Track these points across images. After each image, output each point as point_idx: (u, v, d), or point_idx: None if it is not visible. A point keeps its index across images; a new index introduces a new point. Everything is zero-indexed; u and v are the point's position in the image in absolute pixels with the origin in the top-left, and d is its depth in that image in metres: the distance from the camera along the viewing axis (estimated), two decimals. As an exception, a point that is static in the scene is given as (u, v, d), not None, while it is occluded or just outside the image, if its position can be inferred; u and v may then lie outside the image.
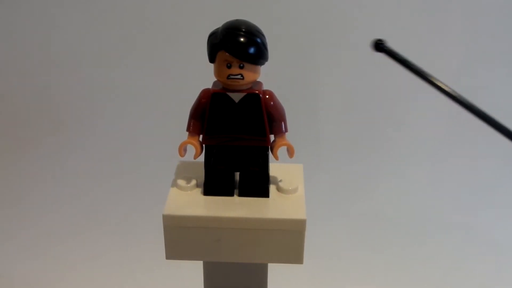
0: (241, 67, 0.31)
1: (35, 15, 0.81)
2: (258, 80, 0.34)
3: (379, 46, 0.30)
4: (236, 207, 0.33)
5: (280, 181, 0.35)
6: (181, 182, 0.35)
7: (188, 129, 0.34)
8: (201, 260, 0.35)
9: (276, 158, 0.34)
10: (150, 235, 0.68)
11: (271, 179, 0.35)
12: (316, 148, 0.82)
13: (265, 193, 0.34)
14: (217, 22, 0.33)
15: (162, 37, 0.82)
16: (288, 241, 0.32)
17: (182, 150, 0.34)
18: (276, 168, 0.36)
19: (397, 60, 0.30)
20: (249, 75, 0.32)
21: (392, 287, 0.64)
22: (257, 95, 0.33)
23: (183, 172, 0.37)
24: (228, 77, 0.32)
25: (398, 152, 0.83)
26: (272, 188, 0.35)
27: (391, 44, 0.85)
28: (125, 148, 0.82)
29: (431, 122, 0.84)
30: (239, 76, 0.31)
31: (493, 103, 0.84)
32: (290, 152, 0.33)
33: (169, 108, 0.79)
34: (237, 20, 0.32)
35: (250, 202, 0.34)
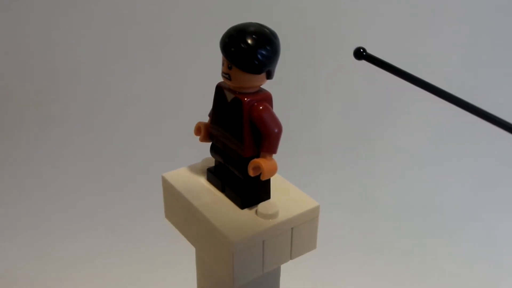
0: (229, 68, 0.31)
1: (36, 16, 0.81)
2: (265, 89, 0.33)
3: (362, 54, 0.29)
4: (207, 201, 0.33)
5: (268, 203, 0.33)
6: (204, 161, 0.36)
7: (209, 114, 0.35)
8: (180, 232, 0.36)
9: (250, 173, 0.31)
10: (150, 235, 0.68)
11: (271, 198, 0.34)
12: (316, 148, 0.82)
13: (238, 203, 0.33)
14: (222, 22, 0.33)
15: (160, 39, 0.82)
16: (222, 259, 0.31)
17: (196, 129, 0.35)
18: (287, 191, 0.35)
19: (380, 65, 0.29)
20: (236, 78, 0.31)
21: (393, 286, 0.64)
22: (240, 101, 0.31)
23: None
24: (221, 74, 0.32)
25: (399, 151, 0.83)
26: (257, 205, 0.33)
27: (392, 44, 0.85)
28: (126, 149, 0.82)
29: (432, 121, 0.84)
30: (226, 76, 0.31)
31: (493, 103, 0.84)
32: (262, 173, 0.31)
33: (169, 110, 0.80)
34: (249, 23, 0.32)
35: (222, 205, 0.33)
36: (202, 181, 0.35)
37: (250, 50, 0.30)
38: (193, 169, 0.37)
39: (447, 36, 0.82)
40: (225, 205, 0.33)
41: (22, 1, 0.81)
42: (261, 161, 0.31)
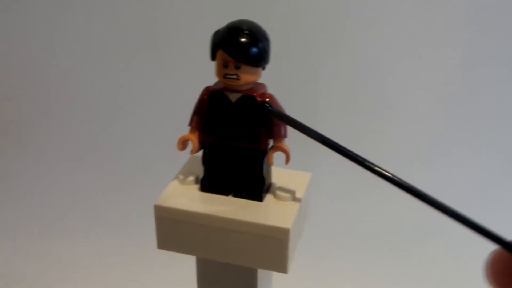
0: (237, 68, 0.31)
1: (36, 16, 0.81)
2: (260, 82, 0.33)
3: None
4: (225, 207, 0.33)
5: (280, 187, 0.35)
6: (182, 176, 0.35)
7: (190, 124, 0.34)
8: (189, 254, 0.35)
9: (271, 162, 0.33)
10: (150, 235, 0.68)
11: (273, 183, 0.35)
12: (315, 148, 0.82)
13: (258, 197, 0.34)
14: (214, 22, 0.33)
15: (160, 39, 0.82)
16: (273, 248, 0.32)
17: (181, 144, 0.34)
18: (282, 173, 0.36)
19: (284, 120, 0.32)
20: (245, 76, 0.31)
21: (393, 286, 0.64)
22: (253, 97, 0.32)
23: (189, 166, 0.37)
24: (224, 76, 0.32)
25: (399, 151, 0.83)
26: (270, 193, 0.35)
27: (392, 43, 0.84)
28: (126, 148, 0.82)
29: (432, 123, 0.84)
30: (234, 77, 0.31)
31: (493, 103, 0.84)
32: (286, 158, 0.33)
33: (172, 107, 0.80)
34: (241, 20, 0.32)
35: (241, 204, 0.33)
36: (197, 193, 0.34)
37: (258, 44, 0.31)
38: (177, 187, 0.35)
39: (447, 36, 0.82)
40: (245, 204, 0.33)
41: (21, 1, 0.81)
42: (283, 147, 0.33)
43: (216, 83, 0.34)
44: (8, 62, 0.83)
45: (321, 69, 0.82)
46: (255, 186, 0.34)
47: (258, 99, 0.32)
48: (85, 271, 0.65)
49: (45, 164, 0.81)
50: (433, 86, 0.84)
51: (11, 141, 0.83)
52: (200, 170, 0.35)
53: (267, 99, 0.32)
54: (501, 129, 0.84)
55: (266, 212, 0.33)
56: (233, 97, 0.32)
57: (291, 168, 0.36)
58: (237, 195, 0.34)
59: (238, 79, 0.31)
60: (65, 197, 0.76)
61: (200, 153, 0.35)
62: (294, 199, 0.34)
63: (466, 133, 0.83)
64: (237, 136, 0.33)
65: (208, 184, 0.34)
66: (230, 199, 0.34)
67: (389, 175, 0.30)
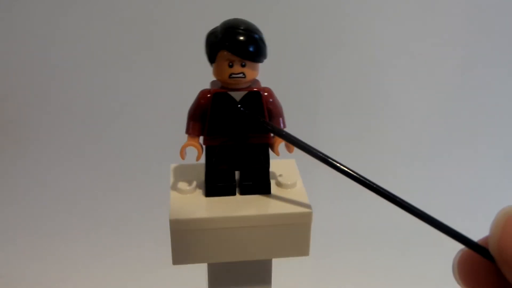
0: (243, 66, 0.31)
1: (37, 16, 0.81)
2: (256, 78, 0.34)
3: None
4: (241, 206, 0.33)
5: (280, 175, 0.35)
6: (181, 185, 0.35)
7: (187, 132, 0.34)
8: (206, 262, 0.34)
9: (277, 154, 0.34)
10: (151, 235, 0.68)
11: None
12: (315, 146, 0.82)
13: (267, 190, 0.34)
14: (215, 22, 0.33)
15: (160, 39, 0.82)
16: (295, 234, 0.33)
17: (184, 152, 0.33)
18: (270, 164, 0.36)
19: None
20: (250, 73, 0.32)
21: (391, 287, 0.64)
22: (258, 92, 0.33)
23: (179, 175, 0.36)
24: (230, 76, 0.31)
25: (398, 151, 0.83)
26: (272, 184, 0.35)
27: (391, 42, 0.84)
28: (126, 150, 0.82)
29: (431, 123, 0.84)
30: (241, 75, 0.31)
31: (493, 103, 0.84)
32: (290, 147, 0.33)
33: (169, 110, 0.80)
34: (235, 19, 0.32)
35: (253, 200, 0.34)
36: (205, 199, 0.34)
37: (258, 40, 0.31)
38: (181, 198, 0.34)
39: (447, 36, 0.82)
40: (257, 199, 0.34)
41: (21, 1, 0.81)
42: None
43: (213, 85, 0.34)
44: (8, 62, 0.83)
45: (321, 69, 0.82)
46: (262, 180, 0.34)
47: (263, 94, 0.33)
48: (85, 271, 0.65)
49: (45, 164, 0.81)
50: (433, 86, 0.84)
51: (11, 141, 0.83)
52: (195, 176, 0.35)
53: (266, 92, 0.33)
54: (501, 129, 0.84)
55: (282, 202, 0.34)
56: (237, 95, 0.32)
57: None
58: (245, 192, 0.34)
59: (244, 77, 0.32)
60: (65, 197, 0.76)
61: (186, 160, 0.34)
62: (296, 184, 0.35)
63: (466, 133, 0.83)
64: (245, 134, 0.33)
65: (214, 188, 0.34)
66: (239, 197, 0.34)
67: (388, 193, 0.30)
